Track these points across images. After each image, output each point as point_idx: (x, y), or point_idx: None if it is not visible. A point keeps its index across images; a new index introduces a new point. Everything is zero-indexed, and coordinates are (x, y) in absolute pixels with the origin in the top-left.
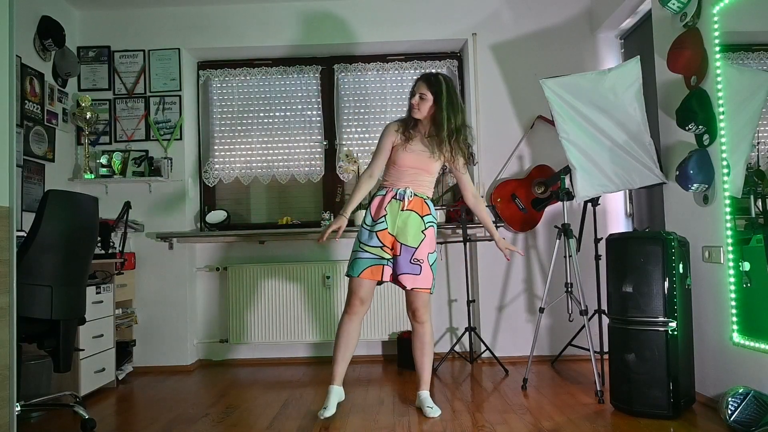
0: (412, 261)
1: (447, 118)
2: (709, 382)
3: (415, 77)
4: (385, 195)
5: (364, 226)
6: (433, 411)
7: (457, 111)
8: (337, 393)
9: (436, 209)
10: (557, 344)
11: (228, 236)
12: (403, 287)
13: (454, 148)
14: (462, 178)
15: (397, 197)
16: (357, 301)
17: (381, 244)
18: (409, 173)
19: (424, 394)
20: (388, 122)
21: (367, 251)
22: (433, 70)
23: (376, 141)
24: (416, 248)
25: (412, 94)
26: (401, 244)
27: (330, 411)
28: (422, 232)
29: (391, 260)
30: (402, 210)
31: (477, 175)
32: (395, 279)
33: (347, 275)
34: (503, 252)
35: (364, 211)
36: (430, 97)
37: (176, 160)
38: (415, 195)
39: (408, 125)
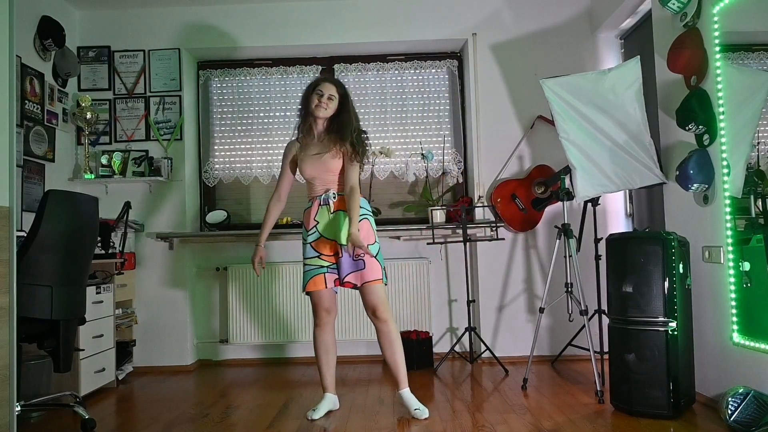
0: (354, 258)
1: (352, 118)
2: (709, 382)
3: (414, 77)
4: (311, 206)
5: (302, 241)
6: (422, 412)
7: (356, 113)
8: (330, 401)
9: (436, 209)
10: (557, 344)
11: (228, 236)
12: (353, 287)
13: (357, 146)
14: (348, 170)
15: (323, 202)
16: (323, 312)
17: (317, 254)
18: (317, 181)
19: (406, 393)
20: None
21: (307, 264)
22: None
23: (376, 141)
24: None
25: (319, 94)
26: (341, 245)
27: (318, 414)
28: None
29: (334, 266)
30: (331, 213)
31: (477, 175)
32: (342, 282)
33: (302, 292)
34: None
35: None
36: (337, 98)
37: (176, 160)
38: (338, 195)
39: (302, 134)
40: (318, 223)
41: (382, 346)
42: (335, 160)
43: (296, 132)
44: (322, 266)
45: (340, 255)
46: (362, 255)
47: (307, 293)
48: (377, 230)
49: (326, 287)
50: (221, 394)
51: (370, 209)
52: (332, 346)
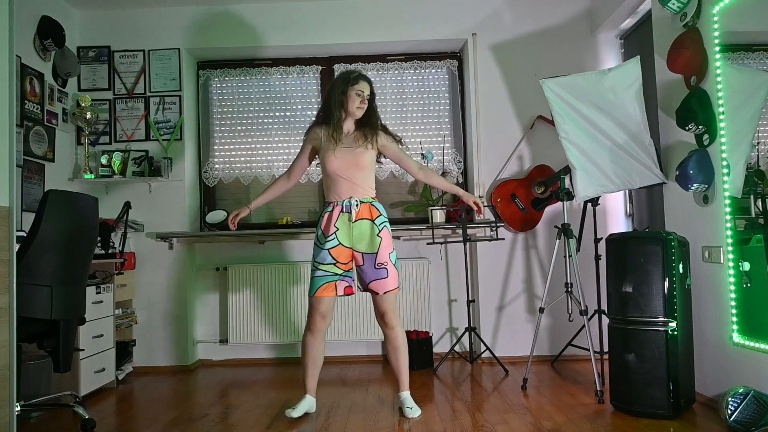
0: (376, 266)
1: (378, 114)
2: (709, 382)
3: (414, 77)
4: (332, 211)
5: (317, 243)
6: (412, 411)
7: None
8: (309, 402)
9: (436, 209)
10: (557, 344)
11: (228, 236)
12: (376, 293)
13: (387, 135)
14: (403, 157)
15: (344, 210)
16: (318, 318)
17: (334, 261)
18: (341, 179)
19: (405, 394)
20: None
21: (320, 269)
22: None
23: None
24: (377, 253)
25: (360, 95)
26: (362, 253)
27: (297, 413)
28: (377, 235)
29: (346, 274)
30: (353, 221)
31: (477, 175)
32: (365, 288)
33: (309, 296)
34: (472, 204)
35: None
36: (369, 96)
37: (176, 160)
38: (361, 202)
39: (329, 126)
40: (338, 230)
41: (388, 351)
42: (367, 153)
43: (319, 119)
44: (337, 273)
45: (361, 263)
46: (385, 264)
47: (310, 297)
48: None
49: (335, 295)
50: (221, 394)
51: (387, 217)
52: (321, 352)
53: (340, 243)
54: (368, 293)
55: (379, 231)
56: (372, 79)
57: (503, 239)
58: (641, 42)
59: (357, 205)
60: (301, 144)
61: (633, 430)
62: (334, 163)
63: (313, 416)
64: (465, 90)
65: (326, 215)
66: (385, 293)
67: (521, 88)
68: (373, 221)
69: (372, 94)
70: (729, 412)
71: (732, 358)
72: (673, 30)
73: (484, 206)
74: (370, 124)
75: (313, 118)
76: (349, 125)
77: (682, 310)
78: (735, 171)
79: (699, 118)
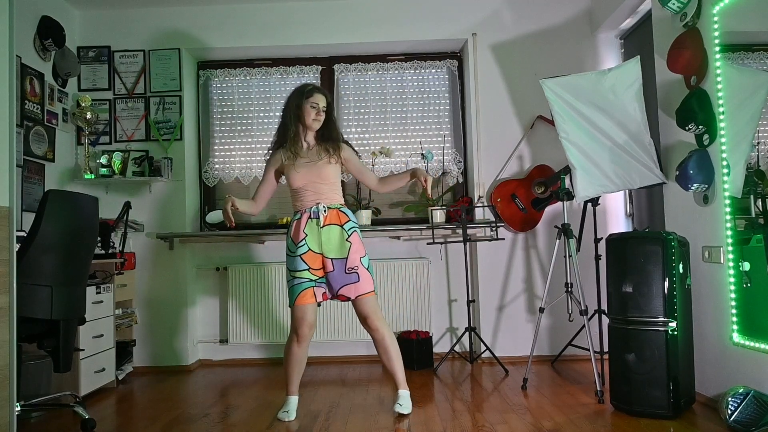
0: (347, 271)
1: (337, 125)
2: (709, 382)
3: (414, 77)
4: (300, 218)
5: (288, 253)
6: (402, 408)
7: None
8: (295, 402)
9: (436, 209)
10: (557, 344)
11: (228, 236)
12: (347, 299)
13: (349, 149)
14: (363, 171)
15: (312, 216)
16: (305, 327)
17: (307, 267)
18: (308, 191)
19: (402, 392)
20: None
21: (296, 277)
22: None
23: (376, 141)
24: (347, 258)
25: (315, 108)
26: (331, 259)
27: (291, 416)
28: (347, 240)
29: (321, 280)
30: (321, 227)
31: (477, 175)
32: (335, 295)
33: (290, 306)
34: (422, 181)
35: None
36: (325, 108)
37: (176, 160)
38: (328, 208)
39: (288, 143)
40: (307, 236)
41: (379, 353)
42: (330, 166)
43: (275, 141)
44: (311, 279)
45: (331, 269)
46: (356, 268)
47: (292, 307)
48: (377, 230)
49: (315, 302)
50: (221, 394)
51: (357, 222)
52: (305, 360)
53: (309, 249)
54: (342, 302)
55: (348, 236)
56: (372, 80)
57: (503, 239)
58: (641, 42)
59: (325, 210)
60: (264, 170)
61: (633, 430)
62: (298, 180)
63: (313, 416)
64: (465, 90)
65: (294, 223)
66: (358, 297)
67: (521, 88)
68: (341, 226)
69: (329, 106)
70: (729, 412)
71: (732, 358)
72: (673, 30)
73: (484, 206)
74: (331, 138)
75: (271, 141)
76: (309, 139)
77: (682, 310)
78: (735, 171)
79: (699, 118)
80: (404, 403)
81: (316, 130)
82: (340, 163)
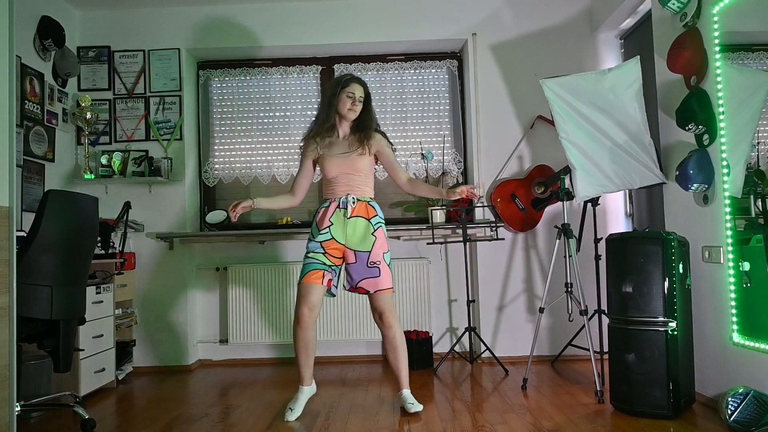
0: (369, 265)
1: (375, 117)
2: (709, 382)
3: (414, 77)
4: (328, 206)
5: (310, 237)
6: (415, 406)
7: (374, 112)
8: (307, 392)
9: (436, 209)
10: (557, 344)
11: (228, 236)
12: (366, 293)
13: (384, 139)
14: (395, 167)
15: (341, 206)
16: (305, 308)
17: (323, 251)
18: (340, 182)
19: (405, 392)
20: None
21: (310, 257)
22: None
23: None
24: (370, 251)
25: (351, 97)
26: (354, 251)
27: (295, 415)
28: (372, 234)
29: (335, 268)
30: (348, 218)
31: (477, 175)
32: (354, 287)
33: (297, 283)
34: (468, 193)
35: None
36: (362, 98)
37: (176, 160)
38: (358, 200)
39: (324, 132)
40: (332, 224)
41: (387, 351)
42: (363, 158)
43: (312, 129)
44: (325, 263)
45: (353, 261)
46: (378, 263)
47: (299, 284)
48: None
49: (322, 283)
50: (221, 394)
51: (383, 218)
52: (313, 343)
53: (333, 237)
54: (360, 295)
55: (374, 230)
56: (372, 80)
57: (503, 239)
58: (641, 42)
59: (354, 202)
60: (300, 160)
61: (633, 430)
62: (332, 170)
63: (313, 416)
64: (465, 90)
65: (322, 210)
66: (377, 292)
67: (521, 88)
68: (368, 220)
69: (367, 96)
70: (729, 412)
71: (732, 358)
72: (673, 30)
73: (484, 206)
74: (365, 128)
75: (307, 130)
76: (344, 129)
77: (682, 310)
78: (735, 171)
79: (699, 118)
80: (414, 401)
81: (351, 120)
82: (372, 154)
